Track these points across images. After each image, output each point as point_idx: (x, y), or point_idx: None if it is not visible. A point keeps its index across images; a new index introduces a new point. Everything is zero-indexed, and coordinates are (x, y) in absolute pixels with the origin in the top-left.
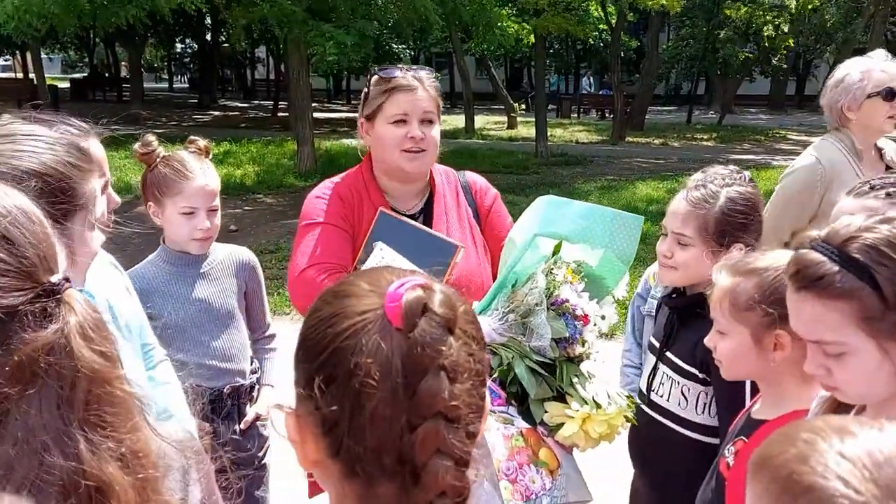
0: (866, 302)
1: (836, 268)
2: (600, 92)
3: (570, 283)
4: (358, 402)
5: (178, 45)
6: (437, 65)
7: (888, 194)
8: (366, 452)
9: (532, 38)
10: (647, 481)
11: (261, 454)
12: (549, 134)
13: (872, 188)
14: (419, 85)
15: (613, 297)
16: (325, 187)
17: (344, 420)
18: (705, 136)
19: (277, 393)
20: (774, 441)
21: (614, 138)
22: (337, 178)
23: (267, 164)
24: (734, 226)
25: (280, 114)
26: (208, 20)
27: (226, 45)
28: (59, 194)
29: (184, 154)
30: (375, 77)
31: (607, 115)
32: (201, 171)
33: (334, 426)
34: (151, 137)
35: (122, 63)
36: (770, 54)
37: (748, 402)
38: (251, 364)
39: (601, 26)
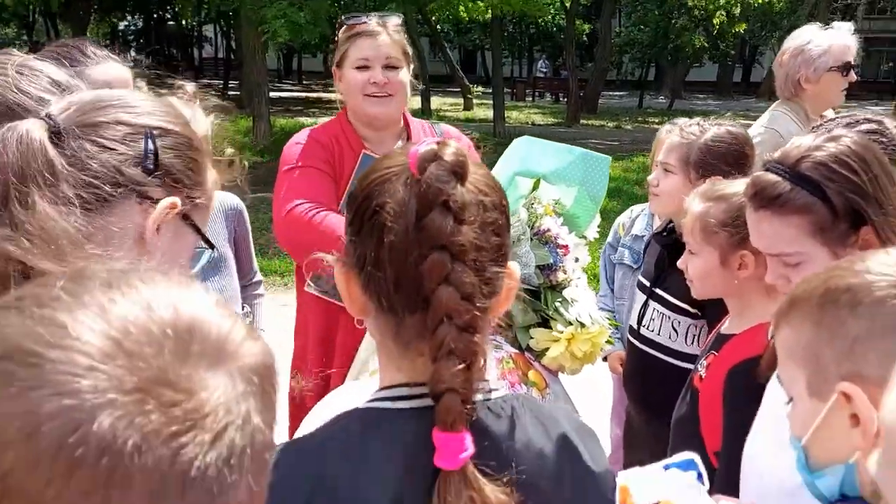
0: (819, 214)
1: (790, 186)
2: (561, 74)
3: (550, 216)
4: (380, 237)
5: (122, 23)
6: None
7: None
8: (388, 281)
9: (489, 15)
10: (641, 412)
11: None
12: (505, 115)
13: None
14: (383, 30)
15: (586, 238)
16: (302, 135)
17: (370, 254)
18: (656, 120)
19: (267, 338)
20: (798, 287)
21: (569, 120)
22: (315, 127)
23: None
24: (714, 155)
25: (231, 92)
26: None
27: (171, 22)
28: None
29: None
30: (343, 26)
31: (561, 98)
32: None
33: (363, 261)
34: (141, 83)
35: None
36: (718, 40)
37: None
38: (241, 310)
39: (552, 10)
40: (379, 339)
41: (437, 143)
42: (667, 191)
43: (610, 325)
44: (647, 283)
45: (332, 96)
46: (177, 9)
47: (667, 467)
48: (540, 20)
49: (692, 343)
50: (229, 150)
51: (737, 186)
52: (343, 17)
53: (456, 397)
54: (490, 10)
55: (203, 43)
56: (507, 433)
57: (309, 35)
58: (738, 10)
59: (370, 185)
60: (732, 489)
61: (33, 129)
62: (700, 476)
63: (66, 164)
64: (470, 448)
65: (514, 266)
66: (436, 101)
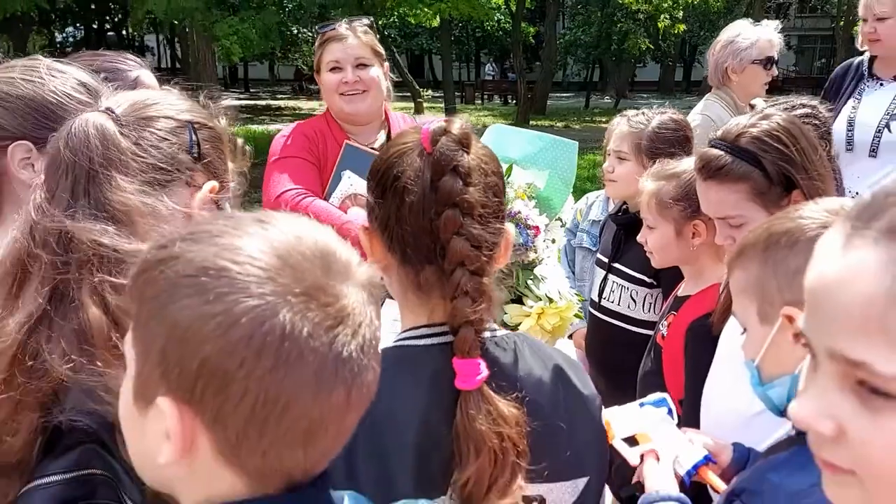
0: (757, 181)
1: (732, 158)
2: (509, 76)
3: (521, 199)
4: (401, 199)
5: (60, 34)
6: None
7: None
8: (408, 236)
9: (437, 22)
10: (603, 379)
11: None
12: None
13: None
14: (351, 34)
15: (561, 220)
16: (289, 129)
17: (392, 214)
18: (604, 119)
19: None
20: (745, 237)
21: (519, 122)
22: (301, 122)
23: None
24: (662, 140)
25: None
26: (93, 5)
27: (111, 33)
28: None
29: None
30: (318, 34)
31: (510, 100)
32: None
33: (387, 221)
34: None
35: None
36: (661, 41)
37: None
38: None
39: (498, 15)
40: (400, 292)
41: (446, 120)
42: (622, 176)
43: (578, 300)
44: (606, 260)
45: (280, 104)
46: (116, 19)
47: (642, 405)
48: (486, 24)
49: (649, 311)
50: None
51: (683, 165)
52: (317, 27)
53: (471, 329)
54: (438, 15)
55: (145, 53)
56: (512, 363)
57: (260, 49)
58: (680, 13)
59: (389, 158)
60: (695, 427)
61: (103, 120)
62: (670, 411)
63: (134, 151)
64: (484, 371)
65: (509, 226)
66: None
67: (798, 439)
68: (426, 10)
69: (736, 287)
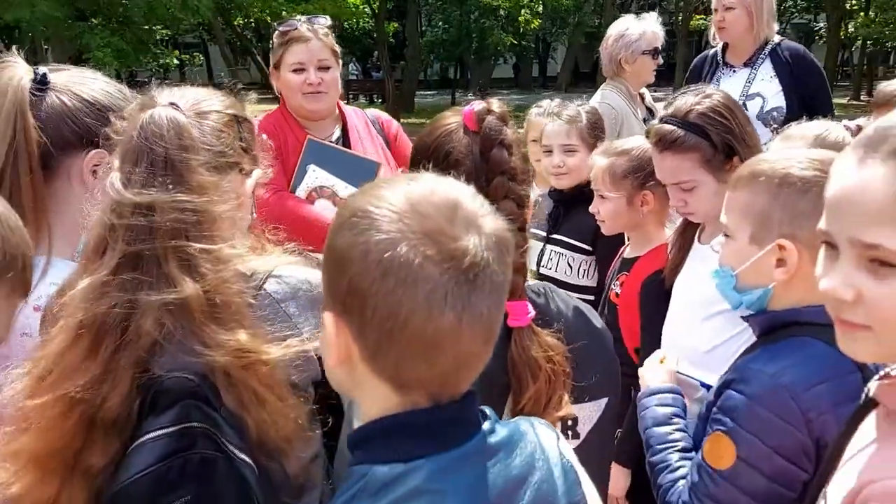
0: (705, 150)
1: (683, 132)
2: (373, 75)
3: None
4: (455, 170)
5: None
6: (189, 53)
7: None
8: None
9: None
10: None
11: None
12: None
13: None
14: (313, 35)
15: None
16: None
17: None
18: None
19: None
20: (761, 164)
21: None
22: (259, 117)
23: None
24: (596, 125)
25: None
26: None
27: None
28: None
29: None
30: (277, 31)
31: (375, 98)
32: None
33: None
34: None
35: None
36: (519, 38)
37: None
38: None
39: (358, 15)
40: None
41: (486, 102)
42: (574, 167)
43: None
44: (543, 233)
45: None
46: None
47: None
48: (346, 24)
49: (583, 277)
50: None
51: (631, 143)
52: (276, 24)
53: (520, 276)
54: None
55: None
56: (545, 304)
57: (134, 63)
58: (540, 8)
59: (438, 138)
60: None
61: (174, 113)
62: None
63: (202, 139)
64: (532, 311)
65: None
66: (250, 108)
67: (761, 340)
68: (291, 12)
69: (736, 204)
